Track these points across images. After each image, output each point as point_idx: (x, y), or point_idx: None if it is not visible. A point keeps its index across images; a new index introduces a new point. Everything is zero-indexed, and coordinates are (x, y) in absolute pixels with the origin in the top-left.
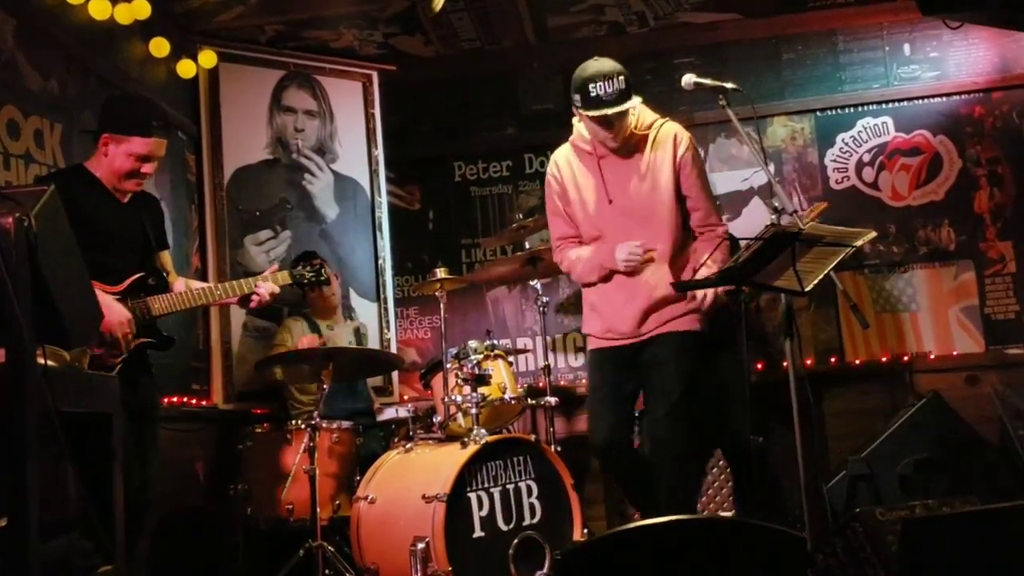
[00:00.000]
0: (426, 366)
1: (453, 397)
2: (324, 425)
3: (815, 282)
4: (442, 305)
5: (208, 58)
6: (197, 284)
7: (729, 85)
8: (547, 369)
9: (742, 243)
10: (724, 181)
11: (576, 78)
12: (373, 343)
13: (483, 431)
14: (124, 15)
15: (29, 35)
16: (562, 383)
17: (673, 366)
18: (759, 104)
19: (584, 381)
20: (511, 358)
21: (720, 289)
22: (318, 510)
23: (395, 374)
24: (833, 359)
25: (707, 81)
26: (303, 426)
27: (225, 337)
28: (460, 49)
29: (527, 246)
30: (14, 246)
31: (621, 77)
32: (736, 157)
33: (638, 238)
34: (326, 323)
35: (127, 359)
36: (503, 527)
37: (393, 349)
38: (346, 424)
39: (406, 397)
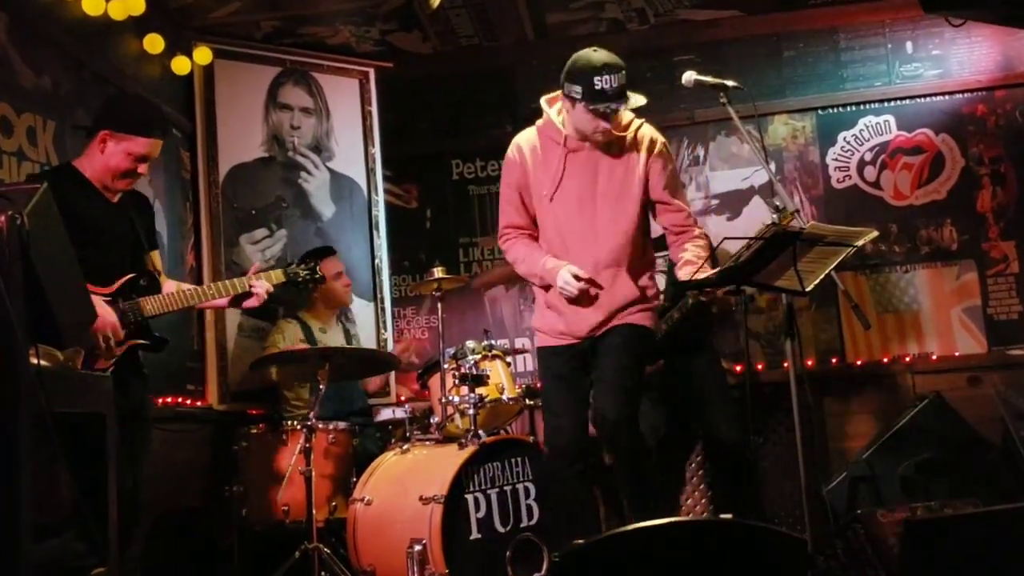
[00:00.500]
0: (423, 366)
1: (450, 398)
2: (320, 426)
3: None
4: (440, 305)
5: (203, 54)
6: (188, 285)
7: (730, 83)
8: None
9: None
10: (724, 180)
11: (578, 67)
12: (368, 343)
13: (481, 432)
14: (118, 11)
15: (22, 31)
16: None
17: (624, 352)
18: (760, 102)
19: None
20: (509, 358)
21: (721, 290)
22: (314, 512)
23: (392, 374)
24: (834, 360)
25: (708, 79)
26: (299, 427)
27: (220, 337)
28: (458, 46)
29: None
30: (7, 244)
31: (624, 72)
32: (737, 155)
33: (598, 238)
34: (319, 326)
35: (119, 360)
36: (500, 529)
37: (390, 349)
38: (342, 425)
39: (403, 398)
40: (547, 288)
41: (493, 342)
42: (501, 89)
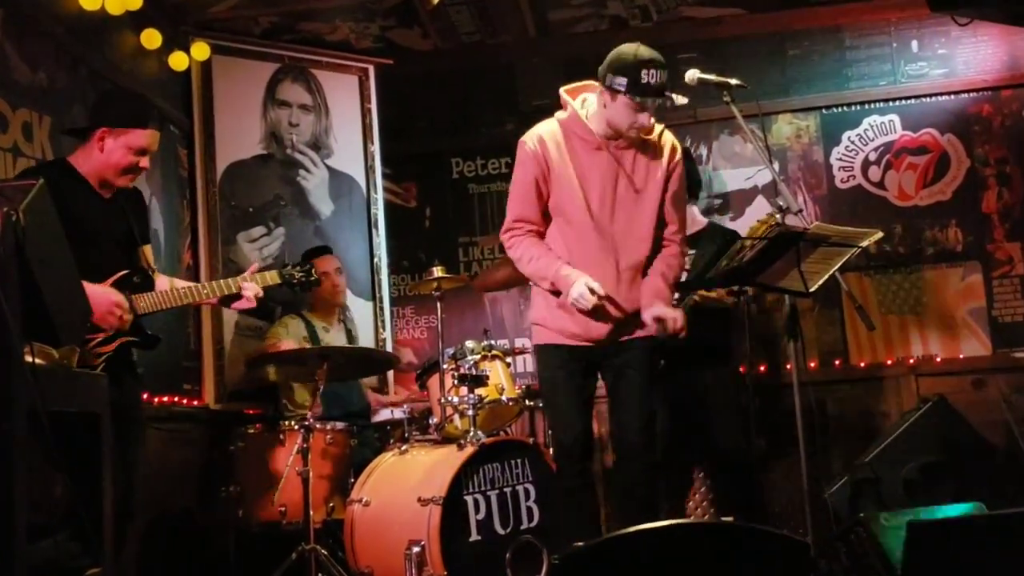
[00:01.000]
0: (422, 367)
1: (450, 398)
2: (318, 426)
3: (820, 283)
4: (439, 305)
5: (201, 50)
6: (181, 283)
7: (734, 81)
8: None
9: (746, 243)
10: (728, 179)
11: (623, 59)
12: (367, 343)
13: (480, 433)
14: (115, 5)
15: (17, 26)
16: None
17: (646, 372)
18: (763, 101)
19: None
20: (509, 359)
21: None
22: (311, 513)
23: (391, 374)
24: (837, 361)
25: (711, 77)
26: (296, 427)
27: (217, 336)
28: (458, 43)
29: None
30: (2, 241)
31: (666, 70)
32: (740, 155)
33: (616, 239)
34: (322, 325)
35: (110, 357)
36: (500, 531)
37: (389, 349)
38: (340, 425)
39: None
40: (556, 293)
41: (493, 342)
42: (502, 87)
